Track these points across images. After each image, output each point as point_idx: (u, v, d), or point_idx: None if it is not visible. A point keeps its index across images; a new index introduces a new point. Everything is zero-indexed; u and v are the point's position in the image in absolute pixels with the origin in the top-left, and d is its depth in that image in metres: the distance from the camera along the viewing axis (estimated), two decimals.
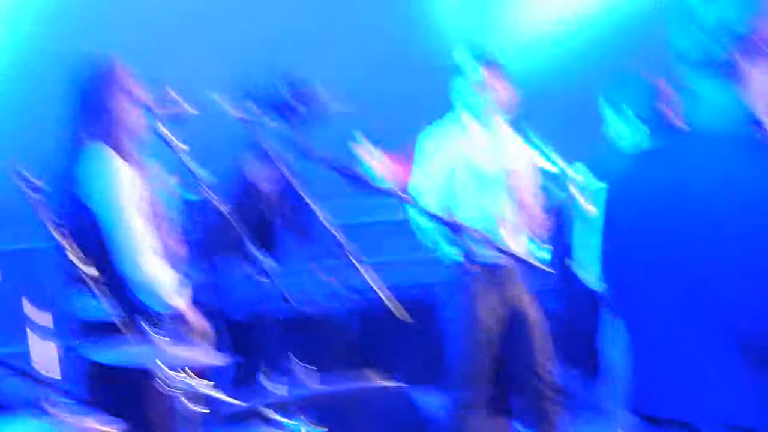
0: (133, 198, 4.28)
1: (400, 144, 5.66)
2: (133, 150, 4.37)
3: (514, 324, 5.59)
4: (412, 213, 5.52)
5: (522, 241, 5.61)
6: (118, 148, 4.31)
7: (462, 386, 5.53)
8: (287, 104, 4.35)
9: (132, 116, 4.36)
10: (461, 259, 5.40)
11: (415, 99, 5.80)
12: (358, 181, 3.51)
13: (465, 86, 5.48)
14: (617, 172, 2.89)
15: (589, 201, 5.49)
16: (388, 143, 5.45)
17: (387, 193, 4.52)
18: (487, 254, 5.21)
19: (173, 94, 4.29)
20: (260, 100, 4.49)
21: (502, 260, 5.39)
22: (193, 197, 6.37)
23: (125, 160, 4.30)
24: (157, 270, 4.30)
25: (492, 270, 5.45)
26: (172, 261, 4.44)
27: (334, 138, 4.61)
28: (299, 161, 4.17)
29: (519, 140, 5.56)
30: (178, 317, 4.39)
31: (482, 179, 5.51)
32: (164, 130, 4.25)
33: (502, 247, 4.60)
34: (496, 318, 5.51)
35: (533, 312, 5.66)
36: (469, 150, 5.50)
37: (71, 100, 4.36)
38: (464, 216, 5.31)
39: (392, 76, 6.84)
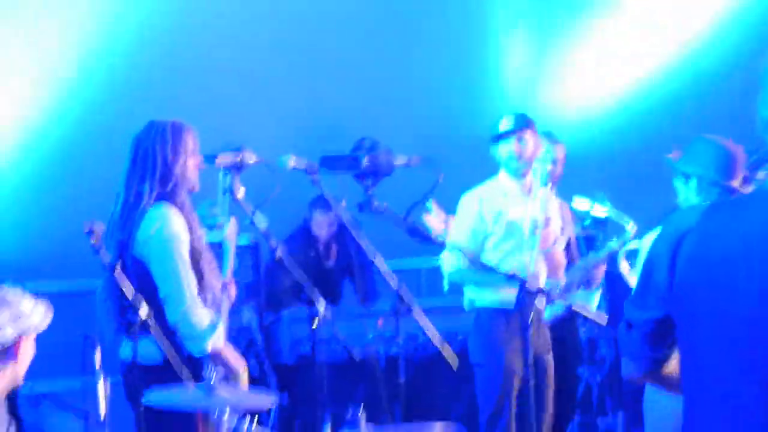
0: (186, 252, 4.38)
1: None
2: (188, 203, 4.48)
3: (536, 370, 5.60)
4: (444, 260, 5.64)
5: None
6: (179, 206, 4.42)
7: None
8: (353, 157, 4.38)
9: (194, 176, 4.48)
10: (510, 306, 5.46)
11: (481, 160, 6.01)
12: (415, 232, 3.51)
13: (504, 146, 5.71)
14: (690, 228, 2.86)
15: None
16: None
17: (440, 244, 4.55)
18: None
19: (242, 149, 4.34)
20: (327, 156, 4.53)
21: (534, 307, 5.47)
22: (246, 241, 6.45)
23: (184, 216, 4.42)
24: (200, 317, 4.36)
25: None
26: (215, 304, 4.48)
27: (401, 191, 4.71)
28: (361, 211, 4.18)
29: (552, 196, 5.79)
30: (217, 359, 4.41)
31: (511, 229, 5.63)
32: (228, 178, 4.30)
33: (555, 295, 4.57)
34: (521, 363, 5.56)
35: (551, 360, 5.71)
36: (501, 203, 5.68)
37: (137, 161, 4.45)
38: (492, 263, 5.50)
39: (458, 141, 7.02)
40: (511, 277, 3.72)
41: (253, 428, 3.92)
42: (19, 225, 6.57)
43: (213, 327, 4.39)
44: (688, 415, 2.92)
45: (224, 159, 4.32)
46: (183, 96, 6.75)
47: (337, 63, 7.35)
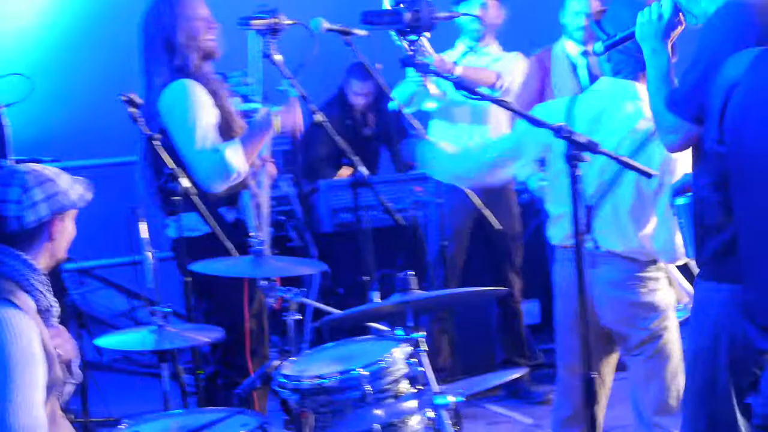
0: (212, 122, 4.27)
1: None
2: (207, 70, 4.34)
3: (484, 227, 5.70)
4: None
5: None
6: (194, 76, 4.28)
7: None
8: (395, 12, 4.28)
9: (206, 41, 4.32)
10: None
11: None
12: (461, 86, 3.44)
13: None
14: None
15: None
16: None
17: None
18: None
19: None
20: (369, 11, 4.43)
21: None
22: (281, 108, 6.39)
23: (205, 86, 4.29)
24: (234, 159, 4.26)
25: None
26: (254, 176, 4.44)
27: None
28: (404, 67, 4.09)
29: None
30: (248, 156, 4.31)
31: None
32: (263, 42, 4.23)
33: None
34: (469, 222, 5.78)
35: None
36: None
37: (146, 42, 4.34)
38: None
39: None
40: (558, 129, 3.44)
41: (298, 295, 3.95)
42: (59, 101, 6.54)
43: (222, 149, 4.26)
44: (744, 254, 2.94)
45: (259, 22, 4.23)
46: None
47: None
